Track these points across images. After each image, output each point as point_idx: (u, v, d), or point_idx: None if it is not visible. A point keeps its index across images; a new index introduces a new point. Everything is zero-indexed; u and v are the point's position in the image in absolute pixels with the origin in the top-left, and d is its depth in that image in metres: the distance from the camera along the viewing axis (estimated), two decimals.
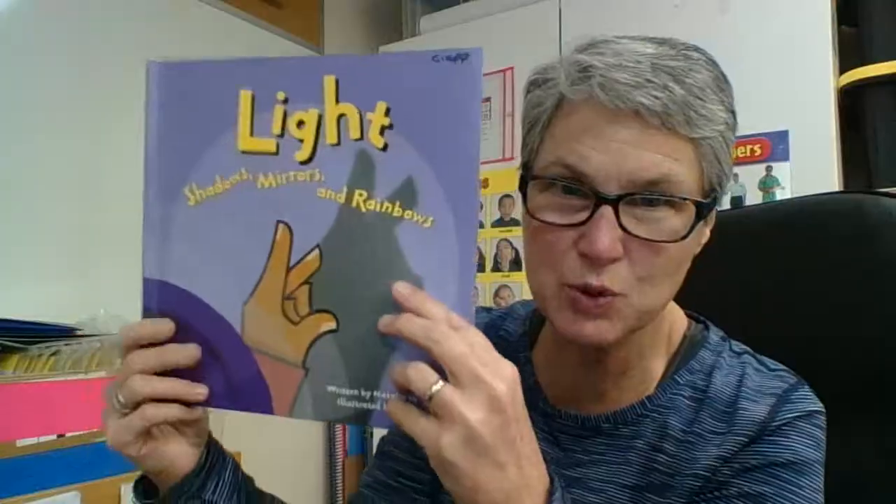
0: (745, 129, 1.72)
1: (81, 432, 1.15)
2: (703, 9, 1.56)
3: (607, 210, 0.50)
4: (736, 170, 1.49)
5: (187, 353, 0.51)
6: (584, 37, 0.55)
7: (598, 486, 0.59)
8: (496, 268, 1.85)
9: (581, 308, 0.52)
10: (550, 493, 0.46)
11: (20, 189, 1.38)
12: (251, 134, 0.49)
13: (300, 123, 0.48)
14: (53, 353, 1.20)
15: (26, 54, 1.42)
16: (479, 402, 0.42)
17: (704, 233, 0.57)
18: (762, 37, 1.48)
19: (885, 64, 1.38)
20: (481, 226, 1.87)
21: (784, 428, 0.54)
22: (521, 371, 0.66)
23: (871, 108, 1.42)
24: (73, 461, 1.13)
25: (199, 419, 0.54)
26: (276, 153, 0.49)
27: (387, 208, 0.47)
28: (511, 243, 1.83)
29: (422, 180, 0.46)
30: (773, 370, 0.58)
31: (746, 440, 0.54)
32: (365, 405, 0.48)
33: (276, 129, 0.48)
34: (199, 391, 0.51)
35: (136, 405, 0.50)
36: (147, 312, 0.52)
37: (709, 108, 0.51)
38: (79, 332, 1.25)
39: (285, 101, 0.48)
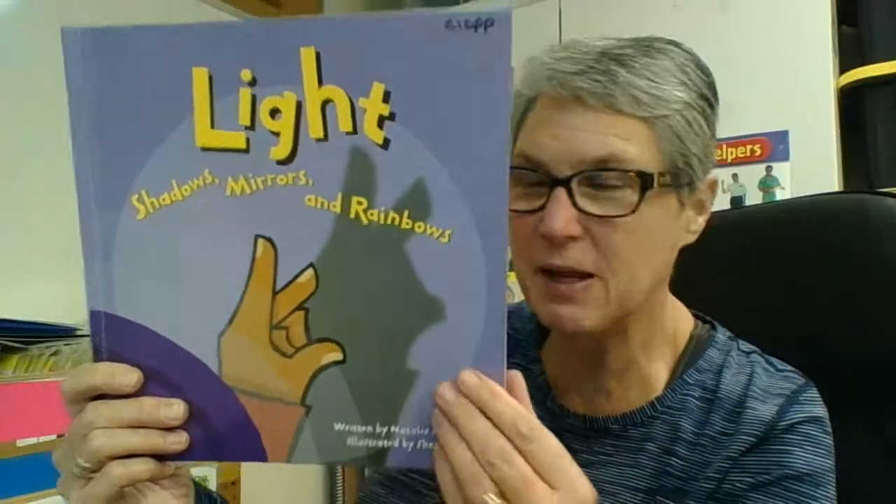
0: (745, 129, 1.72)
1: None
2: (703, 9, 1.56)
3: (560, 191, 0.51)
4: (736, 170, 1.49)
5: (172, 411, 0.42)
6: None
7: (608, 488, 0.59)
8: None
9: (555, 292, 0.53)
10: None
11: (20, 189, 1.38)
12: (212, 125, 0.39)
13: (274, 112, 0.38)
14: (53, 353, 1.20)
15: (25, 54, 1.42)
16: None
17: (694, 220, 0.57)
18: (762, 37, 1.48)
19: (885, 64, 1.38)
20: None
21: (793, 432, 0.54)
22: (530, 369, 0.66)
23: (871, 108, 1.42)
24: None
25: (181, 469, 0.46)
26: (247, 150, 0.39)
27: (393, 220, 0.38)
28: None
29: (435, 184, 0.37)
30: (781, 370, 0.58)
31: (754, 440, 0.54)
32: (380, 443, 0.41)
33: (244, 120, 0.38)
34: (177, 440, 0.42)
35: (99, 467, 0.41)
36: (96, 354, 0.42)
37: (662, 89, 0.52)
38: (79, 332, 1.25)
39: (252, 83, 0.38)
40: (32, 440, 1.09)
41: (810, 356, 0.63)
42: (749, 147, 1.47)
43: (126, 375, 0.42)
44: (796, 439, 0.54)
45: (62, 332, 1.23)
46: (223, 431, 0.42)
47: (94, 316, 0.42)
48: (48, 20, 1.47)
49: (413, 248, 0.38)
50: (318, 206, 0.39)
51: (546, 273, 0.54)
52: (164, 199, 0.40)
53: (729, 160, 1.49)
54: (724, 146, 1.49)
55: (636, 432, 0.59)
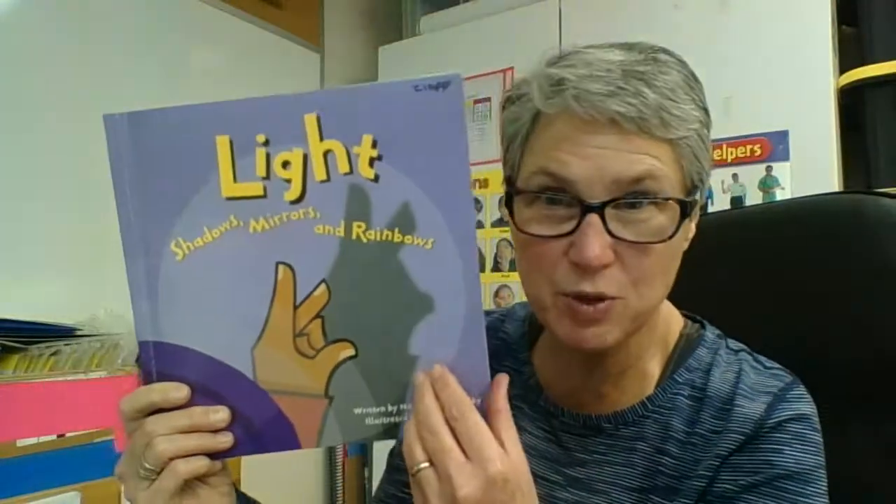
0: (745, 129, 1.72)
1: (81, 432, 1.15)
2: (703, 9, 1.56)
3: (594, 218, 0.51)
4: (736, 170, 1.49)
5: (218, 416, 0.50)
6: (552, 49, 0.56)
7: (601, 487, 0.59)
8: (496, 268, 1.85)
9: (580, 316, 0.53)
10: None
11: (20, 189, 1.38)
12: (234, 180, 0.48)
13: (285, 164, 0.47)
14: (53, 353, 1.20)
15: (26, 54, 1.42)
16: (446, 498, 0.45)
17: (690, 228, 0.58)
18: (762, 37, 1.48)
19: (885, 64, 1.38)
20: (481, 226, 1.87)
21: (782, 430, 0.54)
22: (521, 371, 0.67)
23: (871, 108, 1.42)
24: (73, 461, 1.13)
25: (224, 468, 0.54)
26: (265, 196, 0.48)
27: (387, 236, 0.47)
28: (511, 243, 1.83)
29: (417, 205, 0.47)
30: (769, 368, 0.59)
31: (743, 438, 0.55)
32: (393, 419, 0.50)
33: (261, 172, 0.48)
34: (225, 440, 0.50)
35: (162, 468, 0.49)
36: (147, 377, 0.51)
37: (682, 109, 0.52)
38: (79, 332, 1.25)
39: (266, 143, 0.47)
40: (32, 440, 1.09)
41: (810, 356, 0.63)
42: (749, 147, 1.48)
43: (177, 391, 0.50)
44: (785, 438, 0.54)
45: (62, 332, 1.23)
46: (262, 428, 0.51)
47: (144, 346, 0.50)
48: (49, 20, 1.47)
49: (405, 256, 0.48)
50: (326, 232, 0.48)
51: (568, 295, 0.53)
52: (197, 243, 0.49)
53: (729, 160, 1.49)
54: (724, 146, 1.50)
55: (628, 431, 0.60)
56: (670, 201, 0.52)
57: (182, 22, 1.75)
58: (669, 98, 0.51)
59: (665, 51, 0.55)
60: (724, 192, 1.50)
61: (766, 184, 1.46)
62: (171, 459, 0.49)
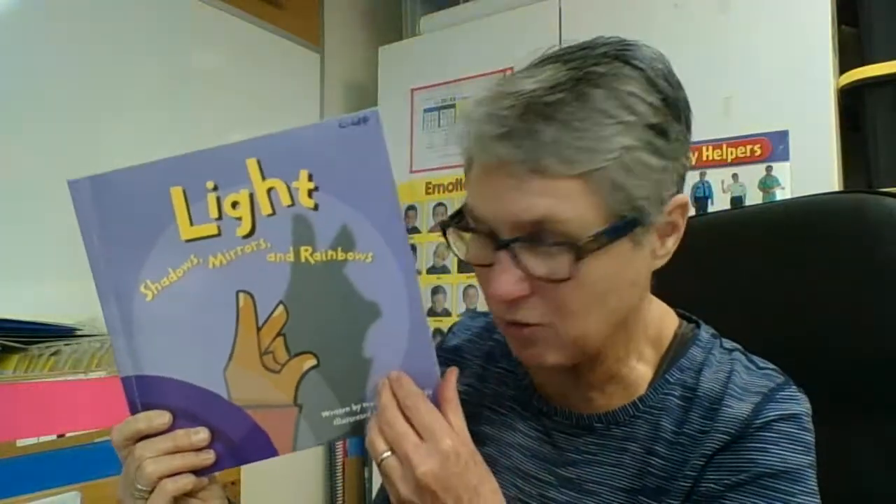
0: (745, 129, 1.72)
1: (81, 432, 1.15)
2: (703, 9, 1.56)
3: (503, 254, 0.51)
4: (736, 170, 1.49)
5: (199, 437, 0.55)
6: (528, 58, 0.56)
7: (591, 487, 0.59)
8: None
9: (517, 337, 0.56)
10: None
11: (20, 189, 1.38)
12: (191, 224, 0.53)
13: (234, 204, 0.53)
14: (53, 353, 1.20)
15: (26, 54, 1.42)
16: (408, 478, 0.50)
17: (660, 245, 0.55)
18: (762, 37, 1.48)
19: (885, 64, 1.38)
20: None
21: (769, 430, 0.54)
22: (514, 372, 0.68)
23: (871, 108, 1.42)
24: (73, 461, 1.13)
25: (214, 483, 0.59)
26: (219, 234, 0.53)
27: (331, 256, 0.53)
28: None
29: (354, 226, 0.52)
30: (762, 368, 0.58)
31: (729, 438, 0.54)
32: (358, 417, 0.55)
33: (214, 214, 0.53)
34: (207, 457, 0.55)
35: (153, 488, 0.54)
36: (132, 408, 0.55)
37: (594, 140, 0.48)
38: (79, 332, 1.25)
39: (215, 188, 0.53)
40: (32, 440, 1.09)
41: (810, 356, 0.63)
42: (749, 147, 1.47)
43: (160, 418, 0.55)
44: (772, 437, 0.53)
45: (62, 332, 1.23)
46: (240, 442, 0.55)
47: (126, 381, 0.55)
48: (49, 20, 1.47)
49: (349, 271, 0.53)
50: (277, 259, 0.53)
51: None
52: (164, 283, 0.54)
53: (729, 160, 1.49)
54: (724, 146, 1.50)
55: (619, 431, 0.60)
56: (563, 242, 0.49)
57: (182, 22, 1.74)
58: (577, 129, 0.48)
59: (622, 57, 0.52)
60: (724, 192, 1.50)
61: (766, 184, 1.46)
62: (160, 479, 0.53)
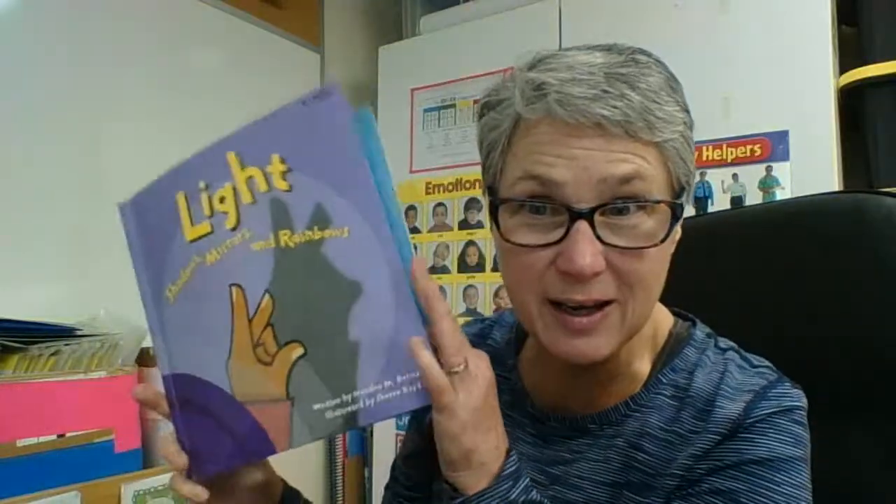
0: (745, 129, 1.72)
1: (81, 432, 1.16)
2: (703, 9, 1.56)
3: (583, 225, 0.50)
4: (736, 170, 1.49)
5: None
6: (529, 53, 0.56)
7: (577, 482, 0.59)
8: (496, 268, 1.85)
9: (572, 326, 0.53)
10: (508, 452, 0.52)
11: (20, 189, 1.38)
12: (192, 224, 0.55)
13: (222, 199, 0.54)
14: (53, 353, 1.20)
15: (25, 54, 1.42)
16: (478, 383, 0.50)
17: (677, 231, 0.57)
18: (762, 37, 1.48)
19: (885, 64, 1.38)
20: (480, 225, 1.87)
21: (759, 425, 0.53)
22: (508, 378, 0.68)
23: (871, 108, 1.42)
24: (73, 461, 1.13)
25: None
26: (212, 231, 0.54)
27: (308, 236, 0.51)
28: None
29: (328, 202, 0.50)
30: (756, 367, 0.58)
31: (720, 438, 0.54)
32: (349, 408, 0.51)
33: (207, 212, 0.54)
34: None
35: None
36: (171, 405, 0.57)
37: (666, 111, 0.51)
38: (79, 332, 1.25)
39: (207, 188, 0.54)
40: (32, 440, 1.09)
41: (810, 356, 0.63)
42: (749, 147, 1.47)
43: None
44: (760, 428, 0.53)
45: (62, 332, 1.23)
46: (242, 439, 0.54)
47: (164, 379, 0.57)
48: (49, 20, 1.47)
49: (327, 250, 0.51)
50: (261, 248, 0.52)
51: (556, 303, 0.53)
52: (178, 284, 0.56)
53: (729, 160, 1.49)
54: (724, 146, 1.50)
55: (611, 430, 0.60)
56: (660, 204, 0.51)
57: (182, 22, 1.74)
58: (654, 100, 0.51)
59: (643, 52, 0.54)
60: (724, 192, 1.50)
61: (766, 184, 1.46)
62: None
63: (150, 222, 0.57)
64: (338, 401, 0.51)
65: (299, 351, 0.52)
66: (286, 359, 0.52)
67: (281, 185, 0.51)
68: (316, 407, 0.51)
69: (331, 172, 0.50)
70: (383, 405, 0.50)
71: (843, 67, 1.44)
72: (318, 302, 0.51)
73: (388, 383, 0.49)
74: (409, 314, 0.50)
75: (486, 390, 0.50)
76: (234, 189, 0.53)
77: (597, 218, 0.50)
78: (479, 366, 0.50)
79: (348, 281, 0.50)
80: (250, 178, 0.52)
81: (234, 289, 0.53)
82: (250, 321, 0.53)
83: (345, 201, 0.50)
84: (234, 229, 0.53)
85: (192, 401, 0.56)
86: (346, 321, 0.50)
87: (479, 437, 0.49)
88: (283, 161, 0.51)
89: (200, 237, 0.54)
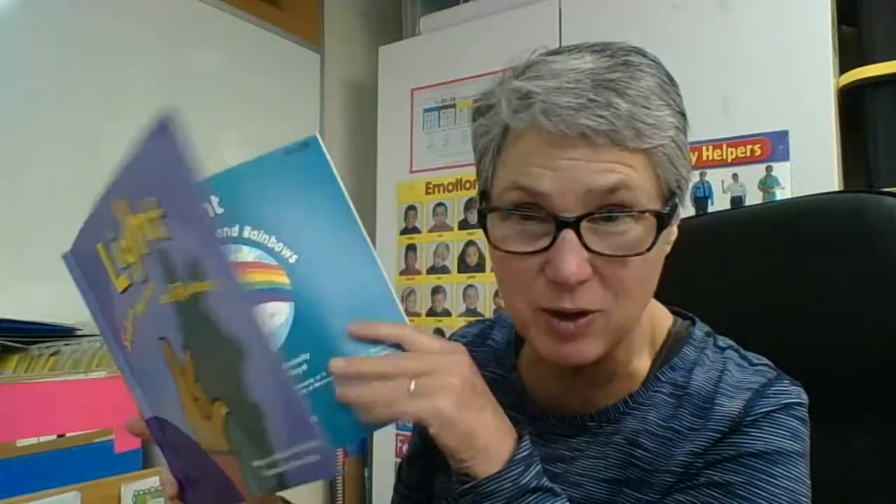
0: (745, 129, 1.72)
1: (81, 432, 1.15)
2: (703, 9, 1.56)
3: (569, 233, 0.50)
4: (736, 170, 1.49)
5: None
6: (521, 55, 0.55)
7: (576, 479, 0.59)
8: None
9: (561, 332, 0.53)
10: (521, 435, 0.52)
11: (20, 189, 1.38)
12: (116, 276, 0.51)
13: (129, 249, 0.49)
14: (53, 353, 1.20)
15: (26, 54, 1.42)
16: (456, 360, 0.50)
17: (672, 232, 0.57)
18: (762, 37, 1.48)
19: (885, 64, 1.38)
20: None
21: (757, 421, 0.53)
22: (508, 378, 0.68)
23: (871, 108, 1.42)
24: (73, 461, 1.13)
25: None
26: (132, 284, 0.50)
27: (193, 288, 0.45)
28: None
29: (197, 248, 0.43)
30: (755, 365, 0.58)
31: (719, 436, 0.54)
32: (276, 469, 0.46)
33: (122, 263, 0.50)
34: None
35: None
36: (160, 446, 0.56)
37: (655, 116, 0.50)
38: (79, 332, 1.25)
39: (115, 238, 0.49)
40: (32, 440, 1.09)
41: (810, 356, 0.63)
42: (749, 147, 1.47)
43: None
44: (759, 424, 0.53)
45: (62, 332, 1.23)
46: (216, 488, 0.52)
47: (148, 423, 0.55)
48: (49, 20, 1.47)
49: (207, 304, 0.45)
50: (165, 301, 0.47)
51: (547, 311, 0.53)
52: (129, 333, 0.53)
53: (729, 160, 1.49)
54: (724, 146, 1.50)
55: (610, 427, 0.60)
56: (647, 213, 0.51)
57: (182, 22, 1.74)
58: (643, 106, 0.50)
59: (639, 51, 0.54)
60: (724, 192, 1.50)
61: (766, 184, 1.46)
62: None
63: (90, 272, 0.54)
64: (268, 460, 0.46)
65: (225, 409, 0.48)
66: (218, 415, 0.48)
67: (161, 232, 0.45)
68: (255, 464, 0.47)
69: (189, 216, 0.44)
70: (304, 468, 0.46)
71: (843, 67, 1.44)
72: (217, 360, 0.46)
73: (294, 450, 0.45)
74: (286, 390, 0.44)
75: (463, 370, 0.50)
76: (132, 239, 0.48)
77: (584, 225, 0.50)
78: (457, 349, 0.51)
79: (229, 338, 0.44)
80: (139, 226, 0.47)
81: (163, 343, 0.49)
82: (183, 375, 0.49)
83: (204, 248, 0.43)
84: (144, 282, 0.48)
85: (172, 442, 0.54)
86: (244, 382, 0.45)
87: (471, 416, 0.49)
88: (158, 205, 0.45)
89: (125, 289, 0.51)
